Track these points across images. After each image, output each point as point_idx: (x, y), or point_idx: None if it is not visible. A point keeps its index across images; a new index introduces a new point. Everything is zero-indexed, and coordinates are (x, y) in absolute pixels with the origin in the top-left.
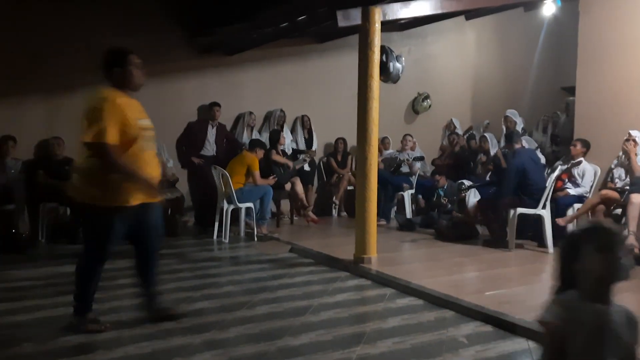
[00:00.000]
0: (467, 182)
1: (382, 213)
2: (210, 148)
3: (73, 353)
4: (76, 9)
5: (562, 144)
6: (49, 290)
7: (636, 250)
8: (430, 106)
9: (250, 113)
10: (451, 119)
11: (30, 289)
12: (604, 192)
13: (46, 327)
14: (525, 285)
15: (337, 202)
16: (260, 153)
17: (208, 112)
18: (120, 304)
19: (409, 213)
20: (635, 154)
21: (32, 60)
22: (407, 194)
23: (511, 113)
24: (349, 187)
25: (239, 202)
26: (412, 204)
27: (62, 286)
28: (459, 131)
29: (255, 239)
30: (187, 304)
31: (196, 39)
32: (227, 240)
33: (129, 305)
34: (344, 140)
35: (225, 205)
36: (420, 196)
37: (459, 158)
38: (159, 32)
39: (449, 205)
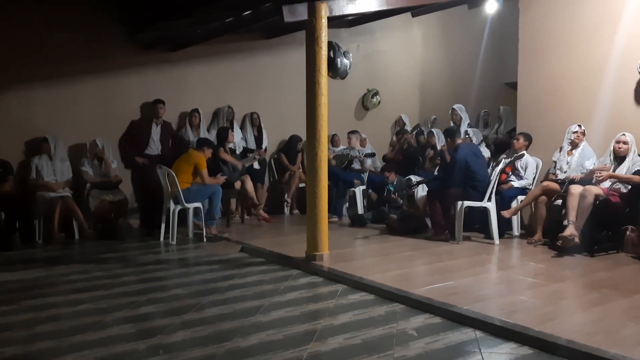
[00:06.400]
0: (414, 178)
1: (334, 209)
2: (154, 147)
3: None
4: (11, 2)
5: (501, 151)
6: None
7: (576, 240)
8: (379, 102)
9: (193, 111)
10: (400, 116)
11: None
12: (545, 183)
13: None
14: (472, 276)
15: (289, 199)
16: (209, 152)
17: (151, 109)
18: (59, 312)
19: (360, 209)
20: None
21: None
22: (359, 190)
23: (458, 107)
24: (301, 185)
25: (187, 202)
26: (363, 199)
27: None
28: (408, 128)
29: (205, 239)
30: (131, 309)
31: (138, 34)
32: (174, 242)
33: (68, 313)
34: (295, 137)
35: (172, 205)
36: (370, 191)
37: (407, 155)
38: (99, 27)
39: (400, 200)
